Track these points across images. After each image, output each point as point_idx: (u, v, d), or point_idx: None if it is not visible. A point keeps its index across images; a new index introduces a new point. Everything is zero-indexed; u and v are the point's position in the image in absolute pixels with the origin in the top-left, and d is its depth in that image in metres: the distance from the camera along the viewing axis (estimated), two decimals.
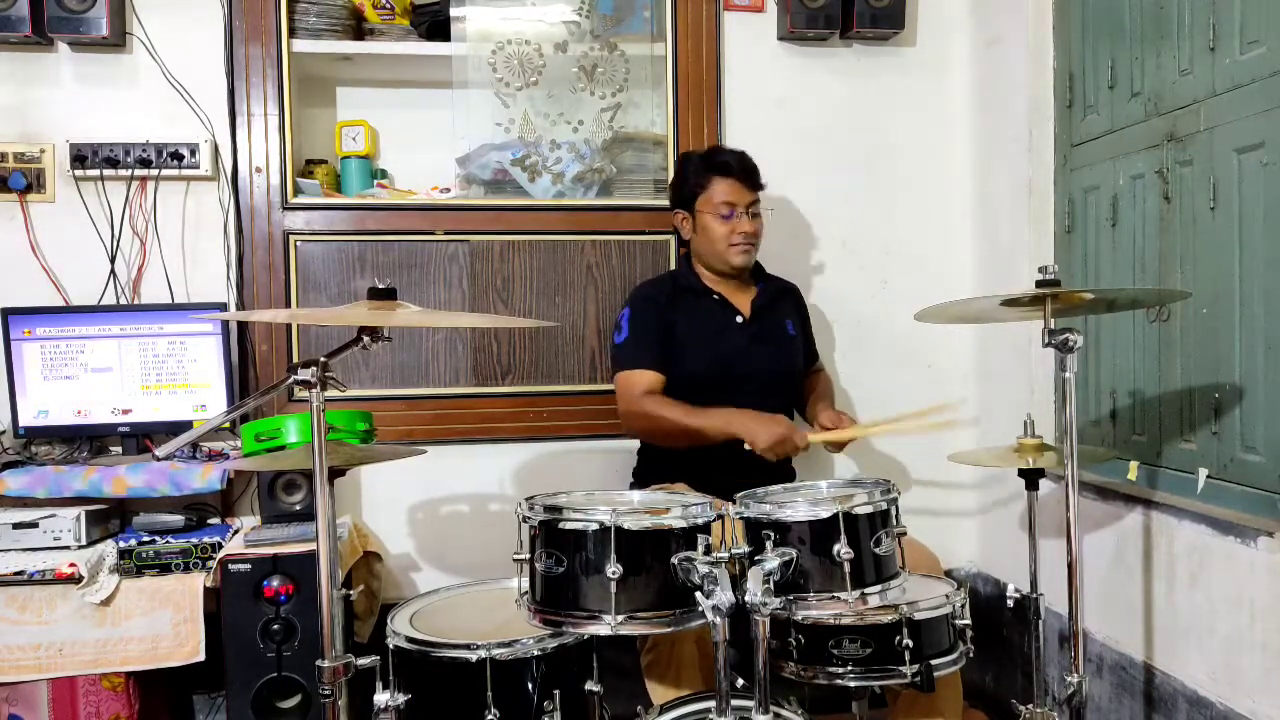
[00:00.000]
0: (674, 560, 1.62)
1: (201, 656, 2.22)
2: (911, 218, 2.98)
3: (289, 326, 2.68)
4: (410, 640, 1.73)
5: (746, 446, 2.15)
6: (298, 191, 2.70)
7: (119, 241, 2.63)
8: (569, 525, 1.63)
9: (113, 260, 2.62)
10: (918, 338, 2.76)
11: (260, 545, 2.25)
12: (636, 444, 2.56)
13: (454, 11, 2.74)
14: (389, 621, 1.82)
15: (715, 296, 2.48)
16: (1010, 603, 2.17)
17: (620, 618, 1.59)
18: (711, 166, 2.43)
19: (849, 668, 1.82)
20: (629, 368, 2.40)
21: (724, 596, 1.53)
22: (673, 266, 2.77)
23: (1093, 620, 2.34)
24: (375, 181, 2.82)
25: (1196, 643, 2.05)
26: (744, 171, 2.41)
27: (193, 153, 2.62)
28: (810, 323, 2.70)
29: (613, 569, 1.58)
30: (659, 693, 2.04)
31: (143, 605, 2.21)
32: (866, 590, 1.67)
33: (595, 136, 2.85)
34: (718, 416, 2.23)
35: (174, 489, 2.39)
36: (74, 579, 2.16)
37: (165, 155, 2.61)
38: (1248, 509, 1.93)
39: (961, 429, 2.90)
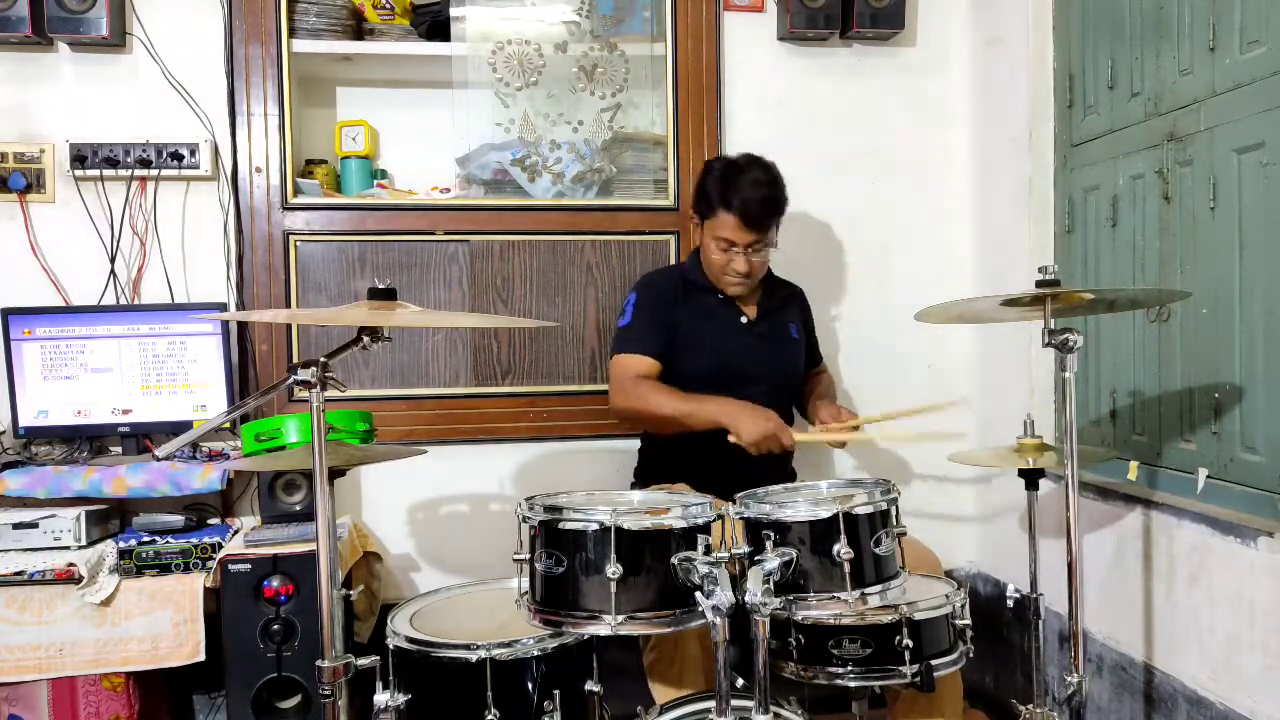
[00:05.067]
0: (674, 560, 1.61)
1: (201, 657, 2.22)
2: (911, 218, 2.98)
3: (289, 326, 2.68)
4: (410, 640, 1.73)
5: (731, 438, 2.15)
6: (298, 191, 2.69)
7: (119, 241, 2.63)
8: (569, 525, 1.63)
9: (113, 260, 2.62)
10: (918, 338, 2.76)
11: (260, 545, 2.25)
12: (637, 444, 2.56)
13: (454, 11, 2.74)
14: (389, 621, 1.82)
15: (722, 295, 2.48)
16: (1010, 603, 2.18)
17: (620, 618, 1.59)
18: (724, 198, 2.31)
19: (849, 668, 1.82)
20: (627, 351, 2.38)
21: (724, 596, 1.52)
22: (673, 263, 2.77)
23: (1093, 620, 2.34)
24: (375, 181, 2.82)
25: (1196, 642, 2.05)
26: (750, 217, 2.29)
27: (192, 153, 2.62)
28: (814, 326, 2.70)
29: (613, 569, 1.58)
30: (661, 692, 2.03)
31: (143, 605, 2.21)
32: (866, 590, 1.67)
33: (595, 136, 2.85)
34: (709, 404, 2.22)
35: (174, 489, 2.39)
36: (74, 579, 2.16)
37: (165, 155, 2.61)
38: (1248, 509, 1.93)
39: (961, 428, 2.90)
